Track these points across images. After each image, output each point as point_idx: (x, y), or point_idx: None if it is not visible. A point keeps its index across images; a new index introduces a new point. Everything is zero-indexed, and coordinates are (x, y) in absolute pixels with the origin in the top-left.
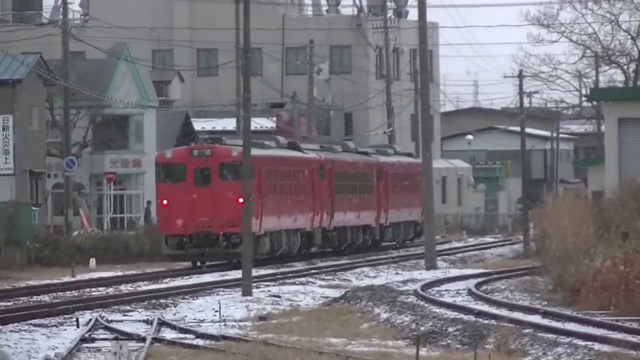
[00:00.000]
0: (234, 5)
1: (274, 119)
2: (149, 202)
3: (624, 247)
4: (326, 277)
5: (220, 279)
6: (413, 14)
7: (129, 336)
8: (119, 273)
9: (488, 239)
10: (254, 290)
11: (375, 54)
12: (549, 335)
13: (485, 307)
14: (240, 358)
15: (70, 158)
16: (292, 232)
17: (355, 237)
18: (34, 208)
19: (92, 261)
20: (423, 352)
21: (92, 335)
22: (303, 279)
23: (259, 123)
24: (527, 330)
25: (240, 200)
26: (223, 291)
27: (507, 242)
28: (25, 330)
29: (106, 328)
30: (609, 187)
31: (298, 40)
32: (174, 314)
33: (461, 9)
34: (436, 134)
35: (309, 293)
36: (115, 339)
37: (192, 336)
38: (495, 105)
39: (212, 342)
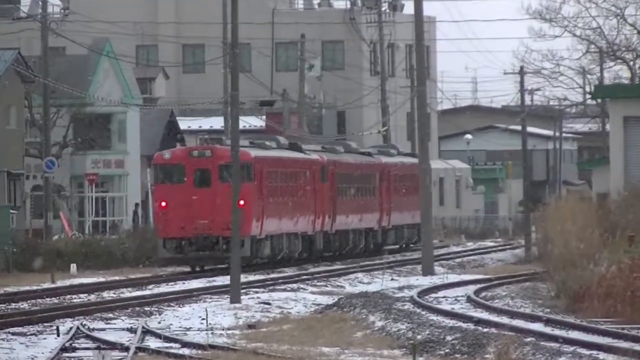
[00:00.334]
0: None
1: (263, 117)
2: (137, 205)
3: (630, 251)
4: (318, 283)
5: (207, 285)
6: (409, 8)
7: (112, 345)
8: (102, 279)
9: (488, 243)
10: (242, 297)
11: (370, 50)
12: (552, 344)
13: (485, 315)
14: None
15: (50, 159)
16: (293, 235)
17: (357, 240)
18: (11, 211)
19: (73, 266)
20: None
21: (73, 345)
22: (294, 285)
23: (248, 122)
24: (529, 339)
25: (241, 202)
26: (210, 298)
27: (508, 247)
28: (2, 339)
29: (88, 337)
30: (615, 189)
31: (288, 35)
32: (159, 322)
33: (459, 2)
34: (433, 134)
35: (301, 300)
36: (98, 348)
37: (177, 345)
38: (495, 103)
39: (199, 351)
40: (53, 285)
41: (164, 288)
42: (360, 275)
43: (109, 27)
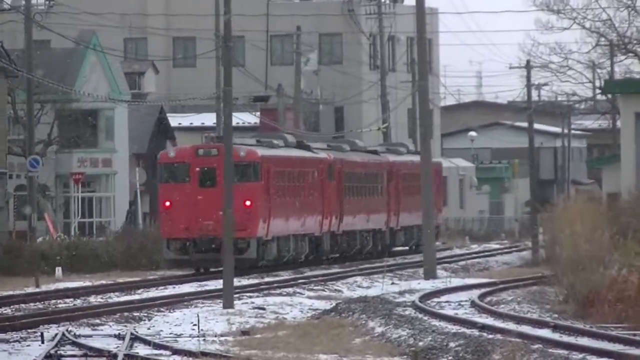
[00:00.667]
0: None
1: (258, 114)
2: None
3: None
4: (315, 288)
5: (199, 289)
6: None
7: (99, 352)
8: (88, 283)
9: (493, 245)
10: (236, 301)
11: (369, 43)
12: (560, 351)
13: (489, 320)
14: None
15: (34, 157)
16: (300, 237)
17: (365, 242)
18: None
19: (59, 270)
20: None
21: (59, 352)
22: (290, 290)
23: (241, 118)
24: (536, 346)
25: (248, 202)
26: (202, 303)
27: (514, 249)
28: None
29: (74, 343)
30: (626, 189)
31: (284, 27)
32: (149, 328)
33: None
34: (436, 131)
35: (297, 305)
36: (84, 355)
37: (168, 352)
38: (501, 98)
39: (190, 359)
40: (37, 290)
41: (153, 292)
42: (359, 279)
43: (95, 19)
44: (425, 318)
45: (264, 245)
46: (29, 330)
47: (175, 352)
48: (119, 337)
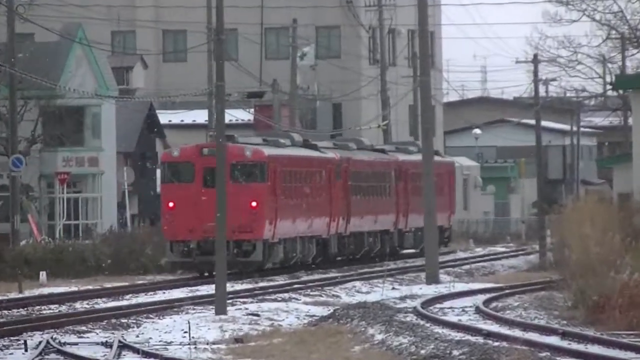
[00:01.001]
0: None
1: (252, 110)
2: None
3: None
4: (312, 293)
5: (190, 294)
6: None
7: None
8: (74, 288)
9: (498, 248)
10: (229, 307)
11: (368, 36)
12: None
13: (495, 327)
14: None
15: (17, 156)
16: (307, 239)
17: (373, 243)
18: None
19: (43, 275)
20: None
21: None
22: (285, 295)
23: (235, 115)
24: (543, 354)
25: (254, 203)
26: (193, 309)
27: (521, 252)
28: None
29: (59, 352)
30: (638, 189)
31: (279, 19)
32: (137, 336)
33: None
34: (438, 128)
35: (293, 311)
36: None
37: None
38: (507, 94)
39: None
40: (20, 295)
41: (142, 298)
42: (358, 284)
43: (81, 12)
44: (428, 325)
45: (270, 247)
46: (12, 338)
47: None
48: (107, 344)
